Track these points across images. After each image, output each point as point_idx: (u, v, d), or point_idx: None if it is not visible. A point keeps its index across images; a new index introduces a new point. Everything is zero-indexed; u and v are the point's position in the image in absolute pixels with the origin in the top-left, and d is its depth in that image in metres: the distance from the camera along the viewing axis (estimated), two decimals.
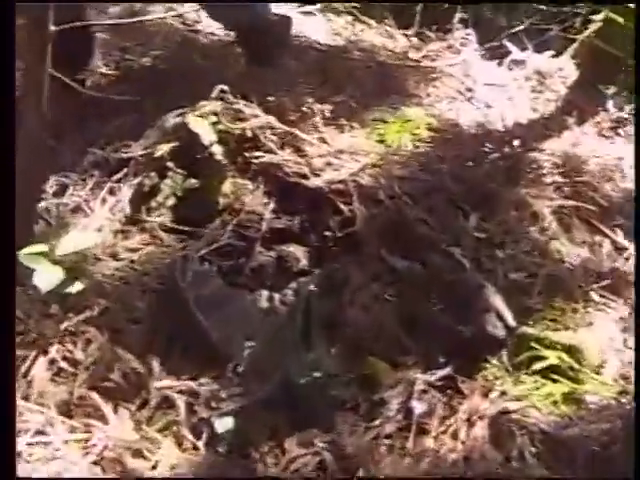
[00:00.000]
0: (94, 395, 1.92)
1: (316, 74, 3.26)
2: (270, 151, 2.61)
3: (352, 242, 2.45)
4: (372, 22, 3.80)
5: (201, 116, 2.48)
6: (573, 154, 2.80)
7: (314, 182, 2.56)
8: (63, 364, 2.02)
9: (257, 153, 2.59)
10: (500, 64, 3.44)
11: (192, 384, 1.95)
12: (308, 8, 3.82)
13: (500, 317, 2.14)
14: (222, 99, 2.60)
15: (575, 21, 4.03)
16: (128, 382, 1.99)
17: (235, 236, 2.45)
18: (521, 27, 3.95)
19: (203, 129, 2.43)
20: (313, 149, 2.65)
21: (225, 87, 2.61)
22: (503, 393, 2.00)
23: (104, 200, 2.48)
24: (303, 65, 3.34)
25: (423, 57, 3.52)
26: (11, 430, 1.29)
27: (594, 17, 3.42)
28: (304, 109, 2.80)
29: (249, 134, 2.59)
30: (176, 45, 3.36)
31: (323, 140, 2.69)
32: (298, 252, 2.46)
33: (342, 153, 2.64)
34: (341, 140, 2.71)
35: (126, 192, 2.50)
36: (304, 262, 2.45)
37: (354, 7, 3.88)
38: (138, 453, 1.82)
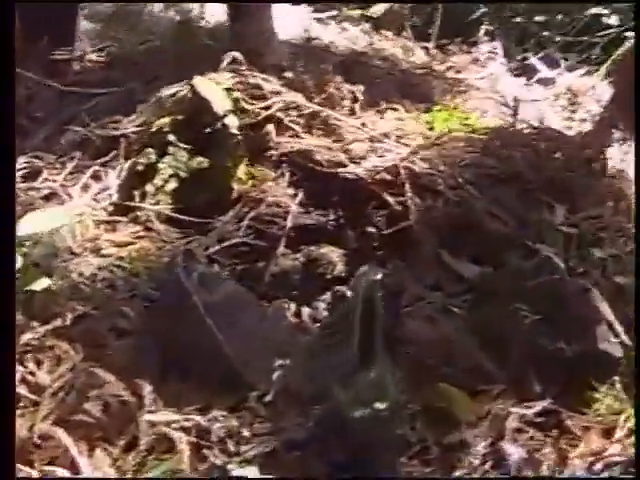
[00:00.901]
0: (61, 433, 1.36)
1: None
2: (296, 135, 2.10)
3: (401, 242, 1.92)
4: (389, 34, 3.35)
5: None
6: None
7: (353, 170, 2.04)
8: (21, 390, 1.46)
9: (279, 139, 2.07)
10: (529, 80, 3.03)
11: (199, 419, 1.39)
12: (322, 15, 3.40)
13: (612, 330, 1.60)
14: (234, 71, 2.08)
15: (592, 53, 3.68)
16: (110, 415, 1.44)
17: (253, 233, 1.92)
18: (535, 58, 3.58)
19: (215, 95, 1.91)
20: (350, 133, 2.13)
21: (238, 55, 2.10)
22: (632, 432, 1.44)
23: (86, 187, 1.95)
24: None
25: (448, 69, 3.05)
26: (11, 430, 1.08)
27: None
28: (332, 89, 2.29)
29: (267, 114, 2.08)
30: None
31: (362, 123, 2.17)
32: (333, 255, 1.93)
33: (387, 137, 2.12)
34: (384, 123, 2.20)
35: (114, 179, 1.97)
36: (340, 267, 1.93)
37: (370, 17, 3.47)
38: None
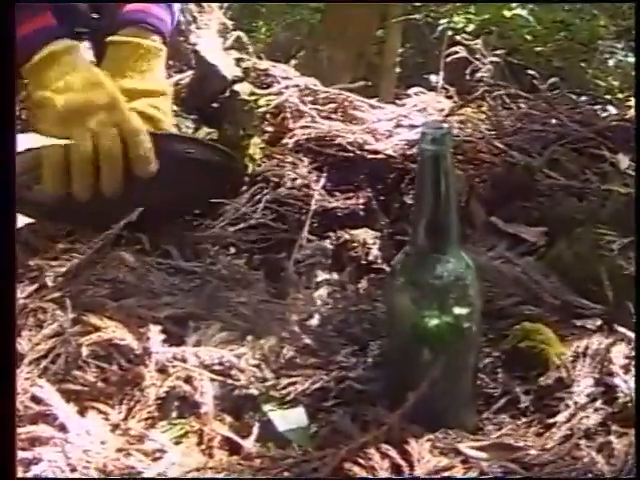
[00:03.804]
0: (43, 383, 1.05)
1: None
2: (313, 121, 1.88)
3: None
4: None
5: None
6: None
7: (378, 148, 1.79)
8: None
9: (294, 124, 1.85)
10: None
11: (225, 353, 1.08)
12: None
13: None
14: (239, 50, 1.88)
15: None
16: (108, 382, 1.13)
17: (270, 214, 1.66)
18: None
19: (223, 60, 1.69)
20: (370, 114, 1.91)
21: (242, 34, 1.90)
22: None
23: None
24: None
25: None
26: (11, 430, 0.95)
27: None
28: None
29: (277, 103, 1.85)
30: None
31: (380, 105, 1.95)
32: (366, 237, 1.66)
33: (411, 112, 1.89)
34: (404, 101, 1.98)
35: None
36: (375, 251, 1.66)
37: None
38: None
